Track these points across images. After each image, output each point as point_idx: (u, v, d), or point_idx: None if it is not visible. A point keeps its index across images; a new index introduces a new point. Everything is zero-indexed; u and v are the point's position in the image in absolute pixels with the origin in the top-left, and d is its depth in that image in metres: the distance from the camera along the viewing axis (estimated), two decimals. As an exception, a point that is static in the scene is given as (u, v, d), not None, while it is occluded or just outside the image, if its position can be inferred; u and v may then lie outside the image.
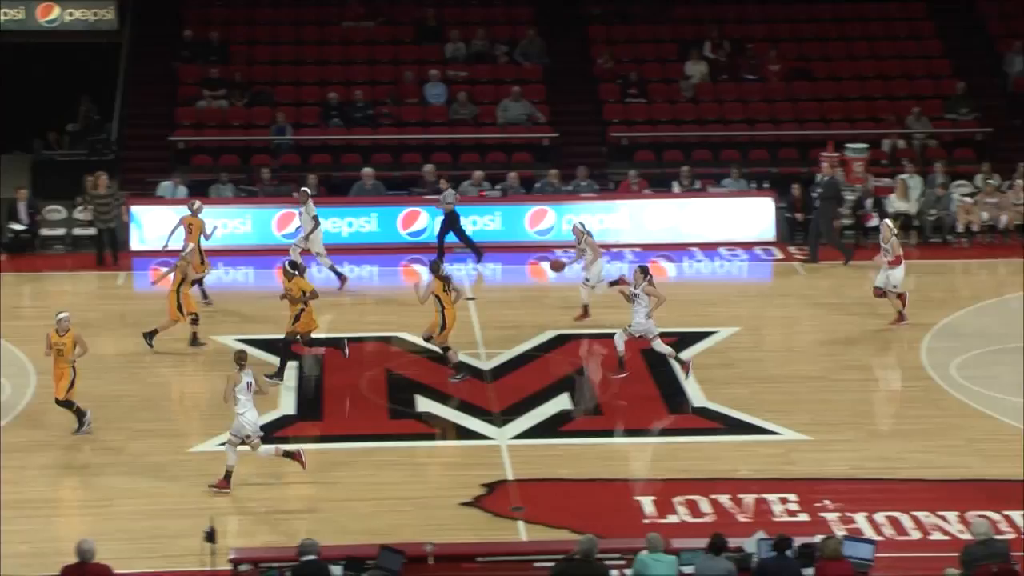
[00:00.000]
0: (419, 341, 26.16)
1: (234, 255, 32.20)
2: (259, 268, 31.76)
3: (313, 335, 25.41)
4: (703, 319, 28.22)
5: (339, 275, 30.17)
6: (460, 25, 39.07)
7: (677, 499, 20.89)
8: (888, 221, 28.95)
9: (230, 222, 32.84)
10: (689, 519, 20.40)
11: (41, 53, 38.81)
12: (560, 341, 27.31)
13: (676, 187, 34.86)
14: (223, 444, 21.39)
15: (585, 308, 27.95)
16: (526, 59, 38.50)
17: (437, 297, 24.94)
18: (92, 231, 32.58)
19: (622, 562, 17.21)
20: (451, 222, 32.03)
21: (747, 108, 37.73)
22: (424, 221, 33.39)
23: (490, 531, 20.02)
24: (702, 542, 16.96)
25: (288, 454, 21.52)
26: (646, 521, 20.26)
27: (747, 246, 33.26)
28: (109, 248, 32.08)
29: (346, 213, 33.31)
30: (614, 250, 32.50)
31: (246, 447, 21.21)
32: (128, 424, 23.53)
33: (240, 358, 21.51)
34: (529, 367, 26.18)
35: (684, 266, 32.59)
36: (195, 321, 26.62)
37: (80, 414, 23.04)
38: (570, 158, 35.90)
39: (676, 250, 33.16)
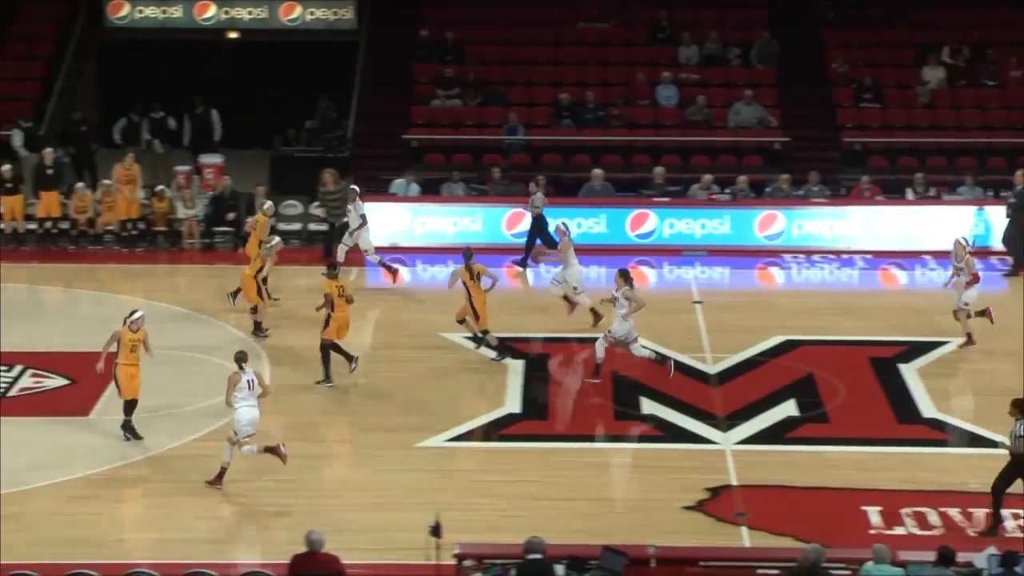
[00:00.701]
0: (646, 343, 26.19)
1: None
2: (488, 266, 31.92)
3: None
4: (934, 328, 27.71)
5: (391, 270, 30.31)
6: (693, 27, 38.94)
7: (904, 510, 20.56)
8: (961, 238, 27.69)
9: (460, 220, 33.19)
10: (916, 531, 20.07)
11: (282, 51, 39.67)
12: (788, 347, 27.07)
13: (910, 194, 34.29)
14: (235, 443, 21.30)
15: (593, 311, 27.66)
16: (759, 61, 38.23)
17: (465, 284, 25.78)
18: (325, 227, 33.18)
19: (847, 573, 17.05)
20: (538, 226, 31.89)
21: (985, 115, 36.95)
22: (653, 223, 33.35)
23: (713, 536, 19.92)
24: (929, 555, 16.68)
25: (269, 449, 21.39)
26: (872, 532, 19.98)
27: (982, 255, 32.54)
28: (338, 243, 32.52)
29: (575, 214, 33.39)
30: (844, 256, 32.10)
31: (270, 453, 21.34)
32: (357, 417, 23.92)
33: (240, 358, 21.48)
34: (756, 372, 25.99)
35: (916, 274, 32.04)
36: (255, 311, 27.13)
37: (130, 425, 22.87)
38: (801, 163, 35.54)
39: (908, 258, 32.63)
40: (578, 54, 38.96)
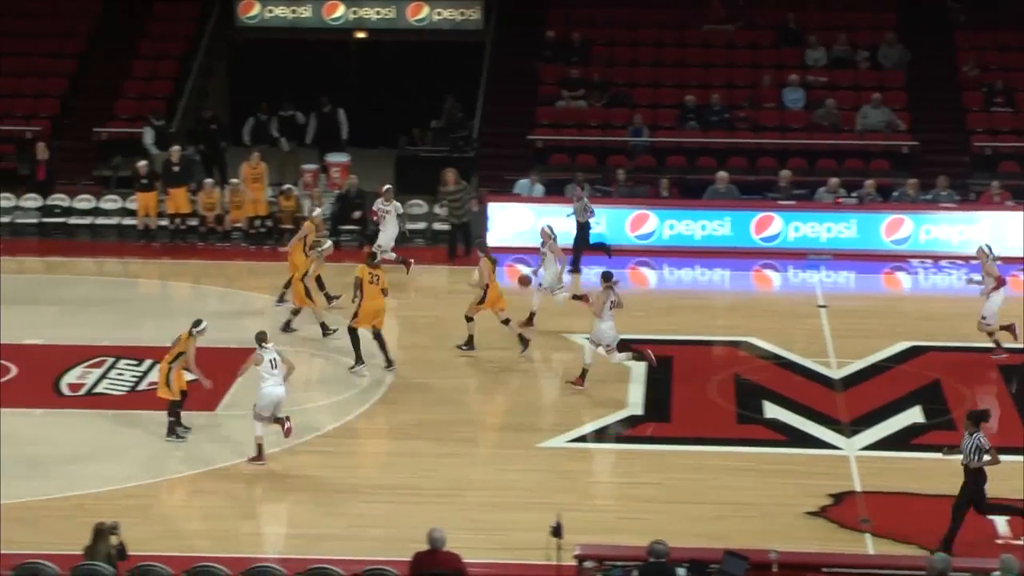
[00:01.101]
0: (769, 347, 26.13)
1: (587, 254, 32.43)
2: (612, 268, 31.88)
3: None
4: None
5: (404, 262, 30.41)
6: (821, 30, 38.66)
7: (1032, 520, 20.31)
8: (984, 245, 27.25)
9: (585, 221, 33.17)
10: (1044, 542, 19.83)
11: (409, 51, 39.92)
12: (914, 353, 26.80)
13: (1040, 199, 33.84)
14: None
15: (531, 316, 27.48)
16: (888, 63, 37.88)
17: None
18: (447, 227, 33.35)
19: (973, 583, 16.86)
20: (583, 233, 31.71)
21: (1122, 120, 36.40)
22: (778, 226, 33.14)
23: (836, 542, 19.79)
24: (1058, 566, 16.47)
25: (277, 420, 21.95)
26: (999, 541, 19.76)
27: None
28: (462, 242, 32.76)
29: (699, 216, 33.30)
30: (973, 262, 31.72)
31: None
32: (480, 417, 24.02)
33: (261, 338, 22.10)
34: (881, 378, 25.77)
35: (1047, 281, 31.61)
36: (296, 312, 27.37)
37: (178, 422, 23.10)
38: (929, 167, 35.14)
39: (1038, 264, 32.17)
40: (704, 56, 38.83)
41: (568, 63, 38.30)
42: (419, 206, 34.45)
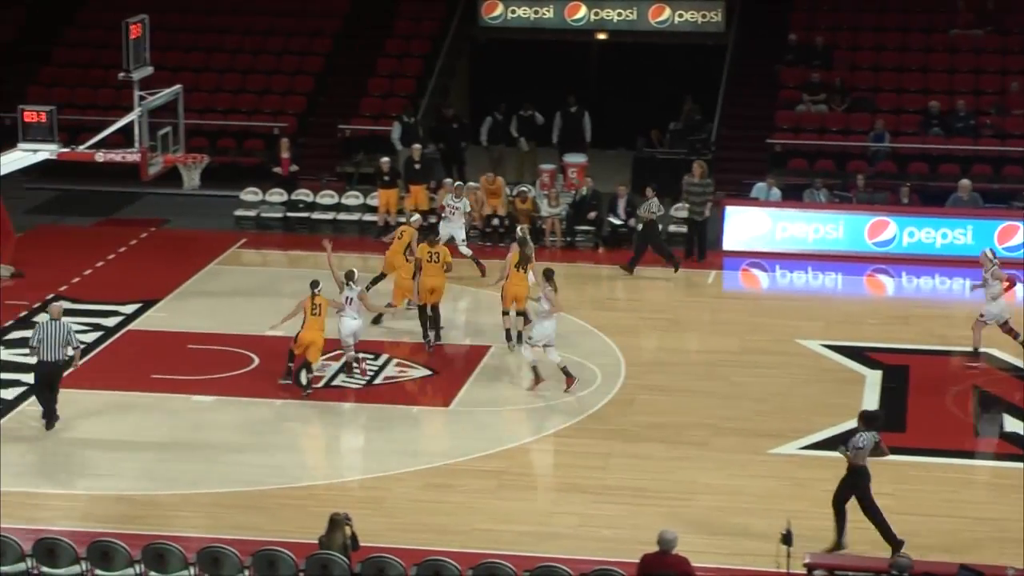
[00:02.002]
0: (1010, 359, 25.62)
1: (824, 260, 32.22)
2: (847, 275, 31.68)
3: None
4: None
5: (478, 264, 30.56)
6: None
7: None
8: (987, 250, 26.71)
9: (822, 227, 32.83)
10: None
11: (649, 53, 39.93)
12: None
13: None
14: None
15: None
16: None
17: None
18: (684, 228, 33.20)
19: None
20: (648, 233, 31.35)
21: None
22: (1022, 236, 32.37)
23: (1076, 562, 19.33)
24: None
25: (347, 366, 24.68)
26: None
27: None
28: (697, 243, 32.57)
29: (940, 224, 32.67)
30: None
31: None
32: (711, 421, 23.95)
33: (349, 276, 24.46)
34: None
35: None
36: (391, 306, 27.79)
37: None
38: None
39: None
40: (950, 61, 38.16)
41: (810, 66, 37.96)
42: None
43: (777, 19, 39.45)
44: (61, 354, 23.12)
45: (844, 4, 39.61)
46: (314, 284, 24.53)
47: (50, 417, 23.30)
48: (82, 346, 24.41)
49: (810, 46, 38.38)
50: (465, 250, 30.83)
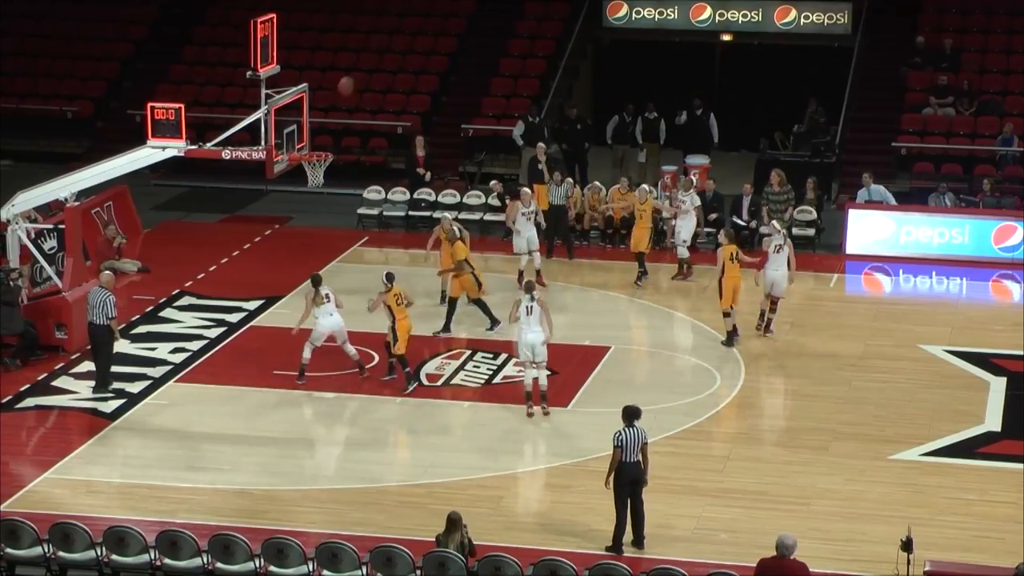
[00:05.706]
0: None
1: (949, 264, 31.84)
2: (972, 280, 31.28)
3: None
4: None
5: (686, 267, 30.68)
6: None
7: None
8: None
9: (947, 231, 32.46)
10: None
11: (774, 54, 39.70)
12: None
13: None
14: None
15: None
16: None
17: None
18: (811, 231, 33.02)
19: None
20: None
21: None
22: None
23: None
24: None
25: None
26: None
27: None
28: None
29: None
30: None
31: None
32: (832, 425, 23.76)
33: (529, 287, 24.04)
34: None
35: None
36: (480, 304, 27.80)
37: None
38: None
39: None
40: (1082, 64, 37.65)
41: (937, 69, 37.55)
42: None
43: (904, 21, 39.08)
44: (105, 319, 24.48)
45: (973, 6, 39.16)
46: (390, 277, 24.79)
47: (98, 381, 24.73)
48: (115, 317, 24.87)
49: (938, 49, 37.95)
50: (683, 252, 30.83)
